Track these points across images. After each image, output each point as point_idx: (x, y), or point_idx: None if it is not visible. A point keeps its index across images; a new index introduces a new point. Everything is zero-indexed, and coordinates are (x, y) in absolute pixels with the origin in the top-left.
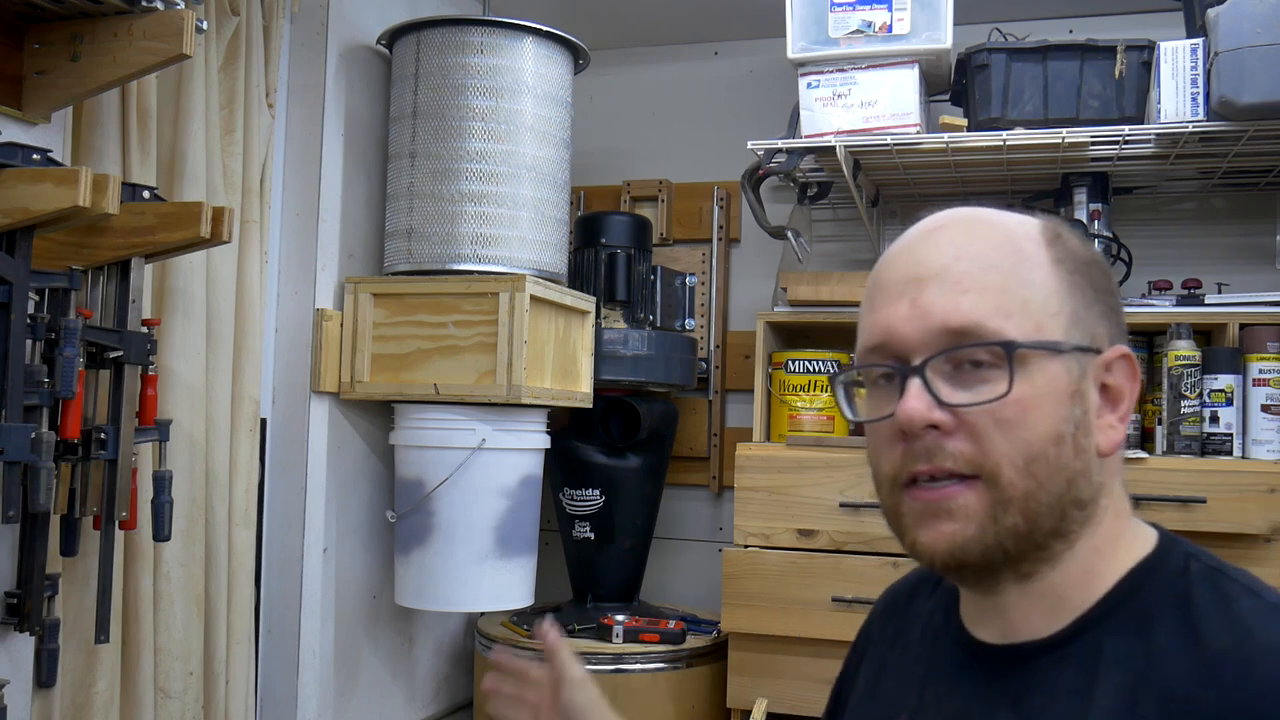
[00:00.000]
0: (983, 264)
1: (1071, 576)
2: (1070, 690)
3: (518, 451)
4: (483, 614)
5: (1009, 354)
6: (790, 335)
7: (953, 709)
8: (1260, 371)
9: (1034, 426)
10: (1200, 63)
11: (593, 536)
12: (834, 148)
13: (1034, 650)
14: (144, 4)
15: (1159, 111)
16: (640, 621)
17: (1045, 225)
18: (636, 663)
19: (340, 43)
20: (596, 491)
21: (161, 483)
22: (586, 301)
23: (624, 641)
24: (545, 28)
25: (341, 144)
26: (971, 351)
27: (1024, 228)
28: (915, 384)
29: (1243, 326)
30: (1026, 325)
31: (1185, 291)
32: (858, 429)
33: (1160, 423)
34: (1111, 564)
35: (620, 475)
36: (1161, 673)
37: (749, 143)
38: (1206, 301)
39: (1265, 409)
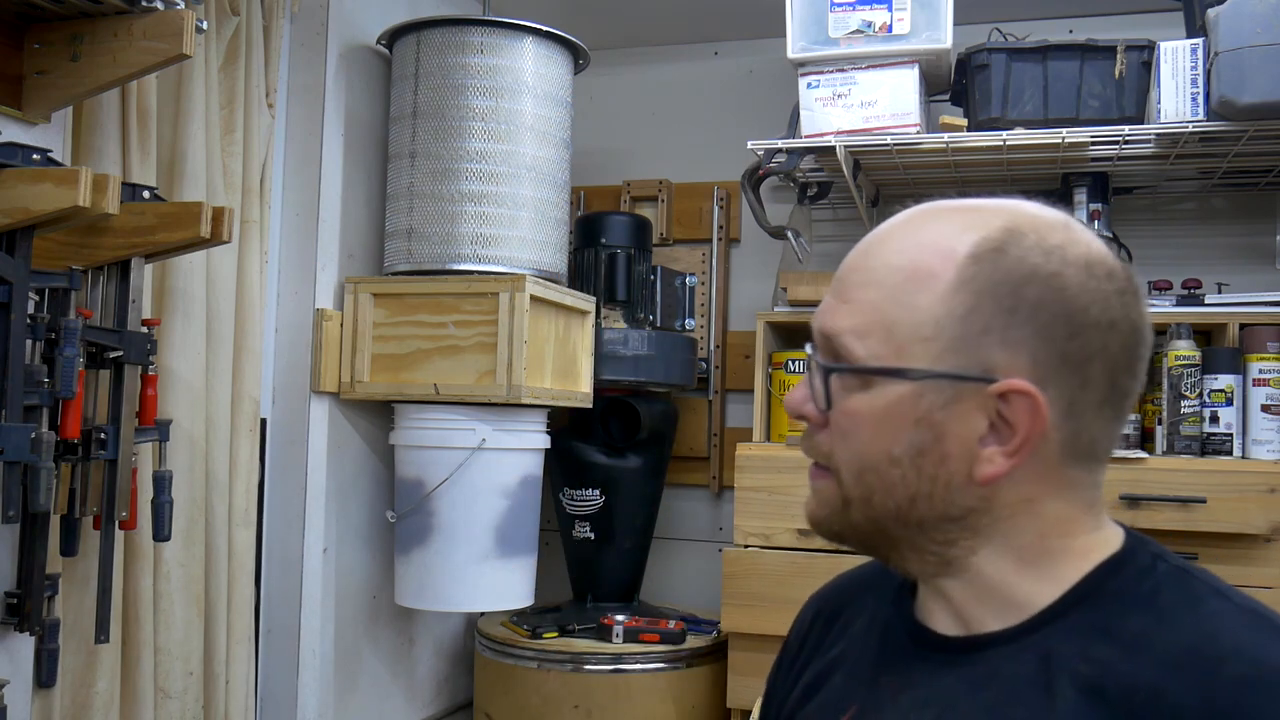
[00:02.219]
0: (870, 278)
1: (997, 581)
2: (1029, 682)
3: (518, 451)
4: (483, 614)
5: (824, 375)
6: (790, 335)
7: (911, 700)
8: (1260, 371)
9: (864, 441)
10: (1200, 63)
11: (593, 536)
12: (834, 148)
13: (991, 641)
14: (144, 4)
15: (1159, 111)
16: (640, 621)
17: (986, 239)
18: (636, 663)
19: (340, 43)
20: (596, 491)
21: (161, 483)
22: (586, 301)
23: (624, 641)
24: (545, 28)
25: (341, 144)
26: (815, 359)
27: (951, 240)
28: (806, 374)
29: (1243, 326)
30: (882, 348)
31: (1185, 291)
32: None
33: (1160, 423)
34: (1073, 567)
35: (620, 475)
36: (1126, 667)
37: (749, 143)
38: (1206, 301)
39: (1265, 409)
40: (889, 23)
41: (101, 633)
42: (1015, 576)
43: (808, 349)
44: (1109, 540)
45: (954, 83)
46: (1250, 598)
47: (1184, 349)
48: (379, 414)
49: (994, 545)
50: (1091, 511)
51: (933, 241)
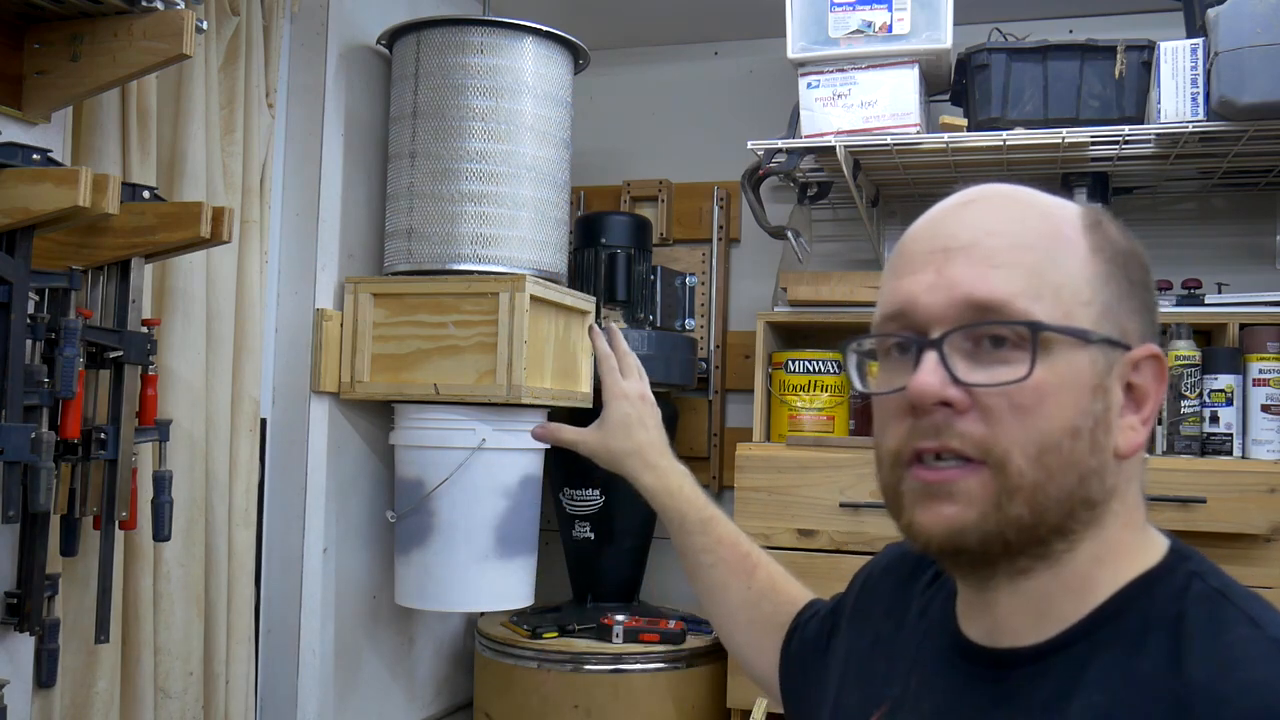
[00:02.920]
0: (1016, 241)
1: (1065, 583)
2: (1045, 706)
3: (518, 451)
4: (483, 614)
5: (1034, 335)
6: (790, 335)
7: (931, 706)
8: (1260, 371)
9: (1050, 416)
10: (1200, 63)
11: (593, 536)
12: (834, 148)
13: (1017, 658)
14: (144, 4)
15: (1159, 111)
16: (640, 621)
17: (1085, 211)
18: (636, 663)
19: (340, 43)
20: (596, 491)
21: (161, 483)
22: (586, 301)
23: (624, 641)
24: (545, 28)
25: (341, 144)
26: (994, 328)
27: (1063, 211)
28: (931, 357)
29: (1243, 326)
30: (1055, 311)
31: (1185, 291)
32: (859, 429)
33: (1160, 423)
34: (1109, 575)
35: (620, 475)
36: (1137, 700)
37: (749, 143)
38: (1206, 301)
39: (1265, 409)
40: (889, 23)
41: (101, 633)
42: (1076, 577)
43: (935, 332)
44: (1147, 550)
45: (954, 83)
46: None
47: (1184, 349)
48: (379, 414)
49: (1091, 534)
50: (1141, 505)
51: (1051, 209)
